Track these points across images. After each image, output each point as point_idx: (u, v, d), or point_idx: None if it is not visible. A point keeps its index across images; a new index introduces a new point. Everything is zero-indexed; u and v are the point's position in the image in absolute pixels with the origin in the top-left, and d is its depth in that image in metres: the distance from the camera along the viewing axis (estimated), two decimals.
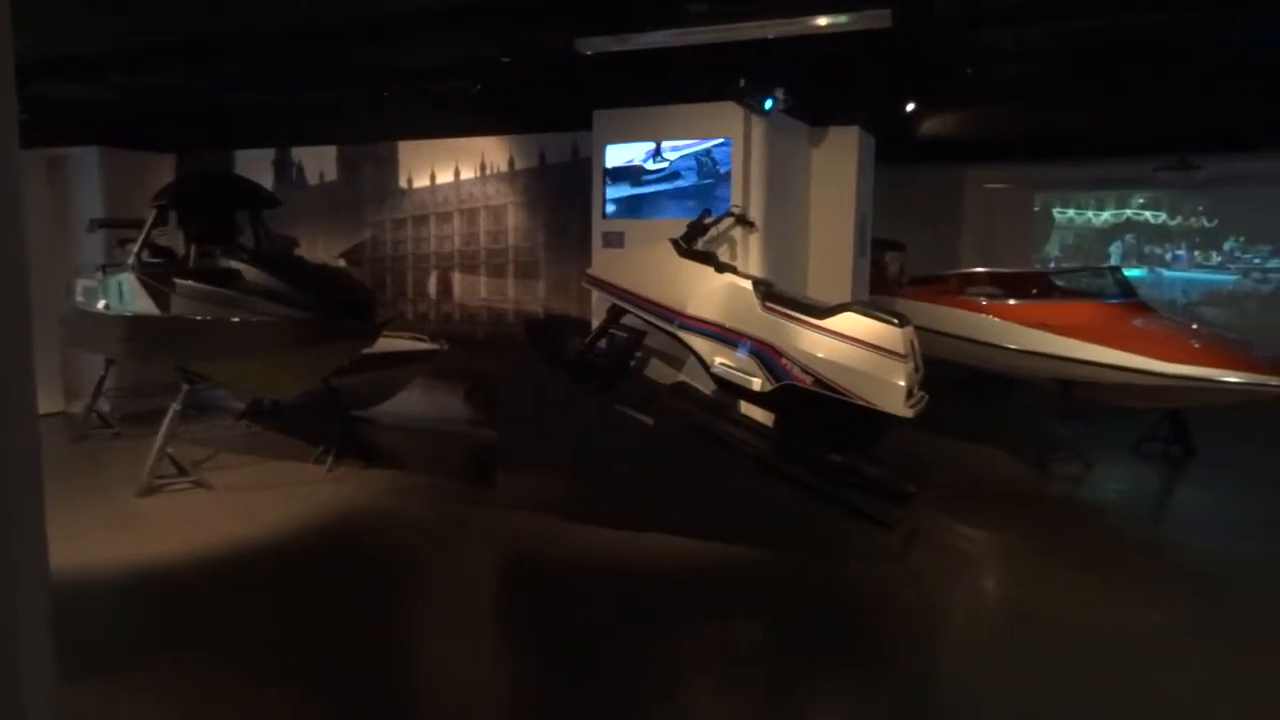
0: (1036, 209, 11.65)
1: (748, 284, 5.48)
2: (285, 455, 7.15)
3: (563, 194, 7.65)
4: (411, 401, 8.01)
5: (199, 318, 5.99)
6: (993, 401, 8.91)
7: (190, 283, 6.17)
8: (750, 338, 5.34)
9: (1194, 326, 7.47)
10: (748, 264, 6.13)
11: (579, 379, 5.93)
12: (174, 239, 7.24)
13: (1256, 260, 10.60)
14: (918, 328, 5.13)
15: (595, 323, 6.38)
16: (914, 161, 10.73)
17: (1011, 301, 7.72)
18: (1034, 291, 7.94)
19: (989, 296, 7.97)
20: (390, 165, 8.49)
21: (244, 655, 3.91)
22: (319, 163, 8.87)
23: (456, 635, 4.30)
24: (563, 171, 7.68)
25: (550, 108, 7.63)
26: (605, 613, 4.43)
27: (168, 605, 4.48)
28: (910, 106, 7.84)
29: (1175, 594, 4.85)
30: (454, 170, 8.19)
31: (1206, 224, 10.77)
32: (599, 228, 6.63)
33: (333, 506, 5.97)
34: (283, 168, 9.03)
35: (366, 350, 6.21)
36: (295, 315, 5.69)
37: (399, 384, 7.65)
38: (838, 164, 7.04)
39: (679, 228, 5.90)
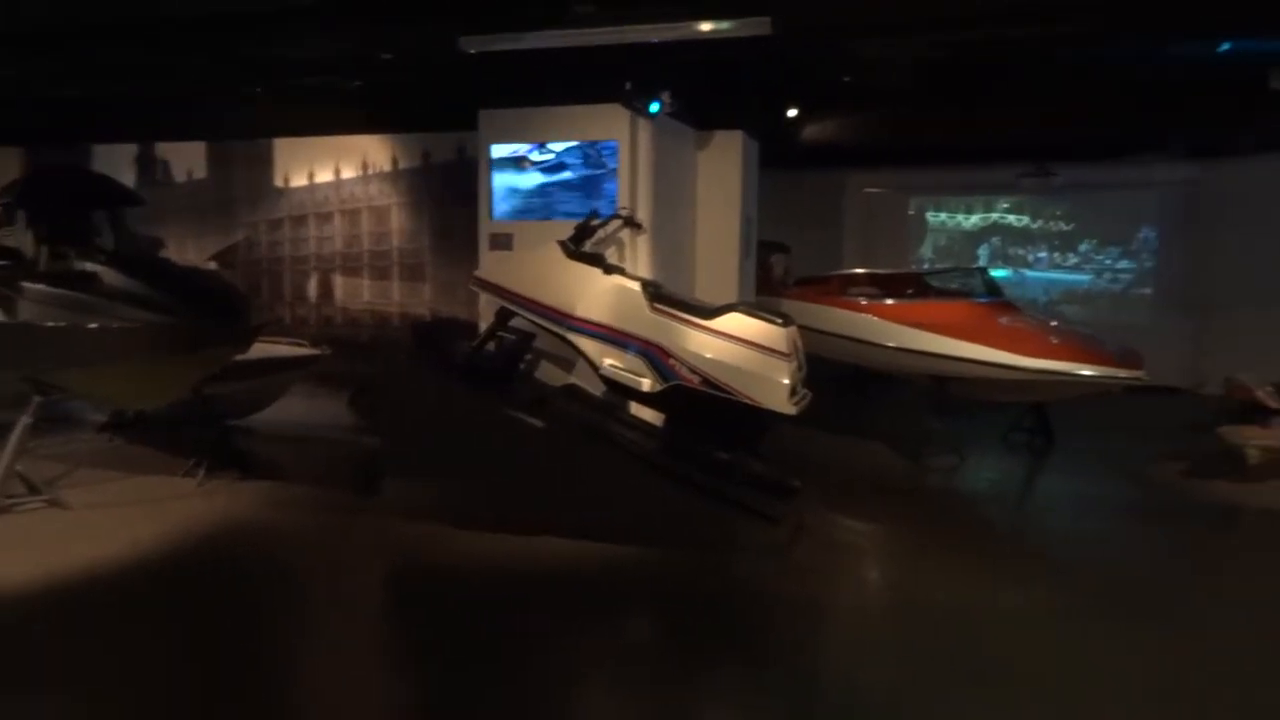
0: (912, 212, 12.19)
1: (636, 285, 5.51)
2: (152, 470, 6.73)
3: (449, 195, 7.51)
4: (292, 409, 7.69)
5: (50, 324, 5.58)
6: (873, 398, 9.25)
7: (40, 286, 5.74)
8: (639, 339, 5.36)
9: (1053, 324, 7.94)
10: (636, 266, 6.17)
11: (467, 382, 5.82)
12: (22, 239, 6.72)
13: (1108, 261, 11.40)
14: (802, 327, 5.28)
15: (484, 325, 6.29)
16: (798, 166, 11.04)
17: (889, 301, 8.01)
18: (909, 291, 8.27)
19: (868, 296, 8.26)
20: (265, 163, 8.14)
21: (106, 687, 3.65)
22: (186, 159, 8.41)
23: (343, 647, 4.15)
24: (449, 172, 7.54)
25: (435, 106, 7.48)
26: (497, 617, 4.36)
27: (16, 637, 4.14)
28: (792, 113, 8.06)
29: (1042, 576, 5.15)
30: (334, 169, 7.92)
31: (1064, 227, 11.51)
32: (486, 229, 6.54)
33: (206, 522, 5.66)
34: (146, 164, 8.51)
35: (241, 357, 5.92)
36: (159, 320, 5.37)
37: (277, 391, 7.33)
38: (723, 168, 7.18)
39: (567, 229, 5.88)
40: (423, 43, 5.77)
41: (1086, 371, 6.70)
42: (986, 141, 9.63)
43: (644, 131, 6.16)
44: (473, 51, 5.37)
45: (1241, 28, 6.43)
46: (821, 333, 8.18)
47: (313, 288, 8.10)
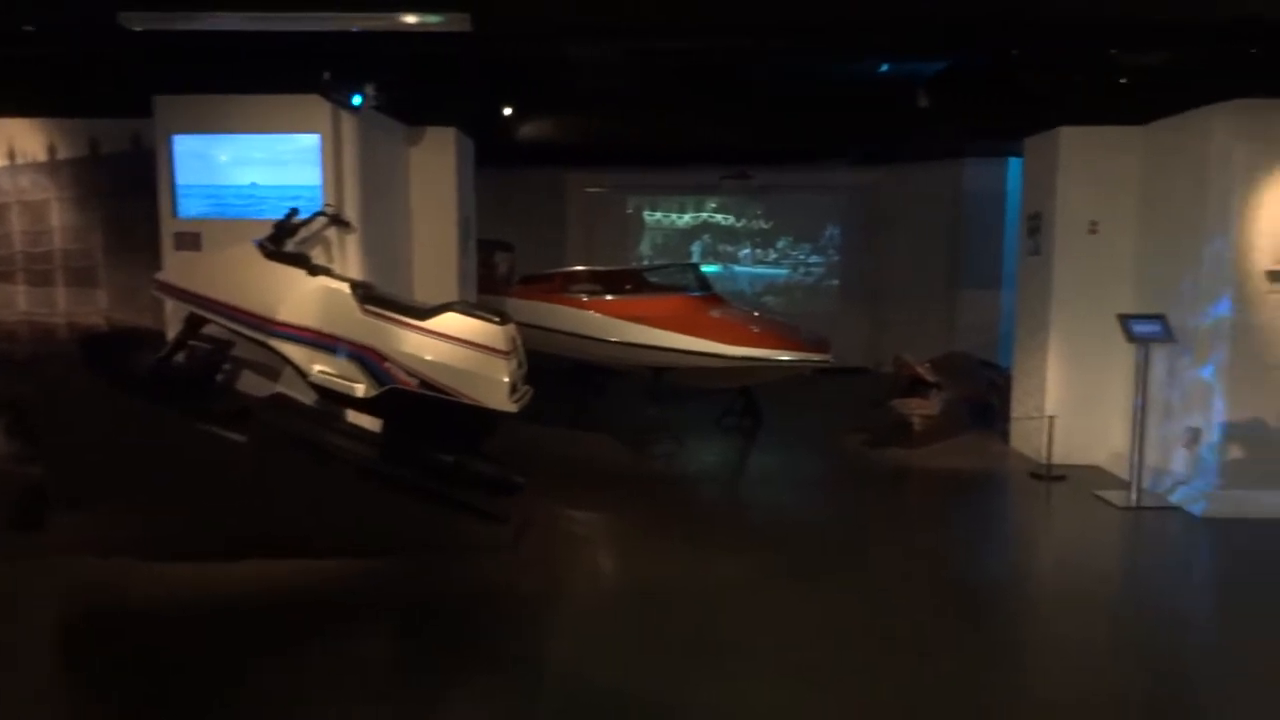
0: (630, 211, 12.70)
1: (344, 286, 5.23)
2: None
3: (125, 189, 6.67)
4: None
5: None
6: (599, 391, 9.53)
7: None
8: (350, 342, 5.10)
9: (755, 314, 8.64)
10: (346, 266, 5.87)
11: (153, 398, 5.21)
12: None
13: (801, 256, 12.64)
14: (527, 325, 5.30)
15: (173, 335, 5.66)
16: (518, 164, 11.12)
17: (609, 297, 8.29)
18: (628, 287, 8.61)
19: (589, 293, 8.49)
20: None
21: None
22: None
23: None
24: (122, 164, 6.69)
25: (102, 89, 6.59)
26: (204, 657, 3.95)
27: None
28: (507, 111, 8.05)
29: (754, 546, 5.59)
30: None
31: (764, 226, 12.58)
32: (169, 228, 5.89)
33: None
34: None
35: None
36: None
37: None
38: (437, 165, 7.03)
39: (263, 228, 5.46)
40: (74, 14, 5.05)
41: (785, 357, 7.37)
42: (693, 145, 10.26)
43: (348, 125, 5.86)
44: (136, 29, 4.79)
45: (894, 53, 7.39)
46: (547, 329, 8.31)
47: None
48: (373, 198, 6.14)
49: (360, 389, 5.09)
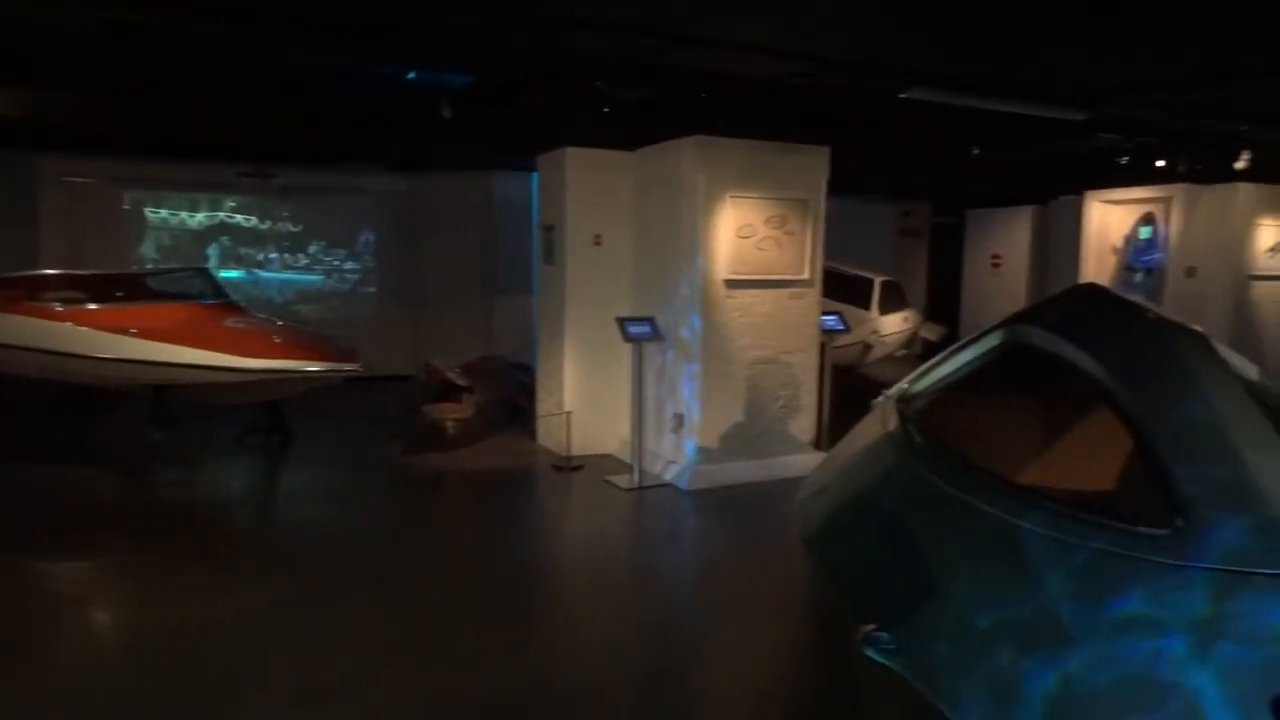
0: (127, 207, 10.99)
1: None
2: None
3: None
4: None
5: None
6: (89, 417, 8.15)
7: None
8: None
9: (279, 324, 8.07)
10: None
11: None
12: None
13: (336, 262, 12.06)
14: None
15: None
16: None
17: (93, 306, 7.14)
18: (120, 295, 7.49)
19: (67, 302, 7.21)
20: None
21: None
22: None
23: None
24: None
25: None
26: None
27: None
28: None
29: (275, 573, 5.17)
30: None
31: (293, 229, 11.74)
32: None
33: None
34: None
35: None
36: None
37: None
38: None
39: None
40: None
41: (311, 368, 7.05)
42: (203, 136, 9.22)
43: None
44: None
45: (418, 61, 7.41)
46: (6, 346, 6.89)
47: None
48: None
49: None
